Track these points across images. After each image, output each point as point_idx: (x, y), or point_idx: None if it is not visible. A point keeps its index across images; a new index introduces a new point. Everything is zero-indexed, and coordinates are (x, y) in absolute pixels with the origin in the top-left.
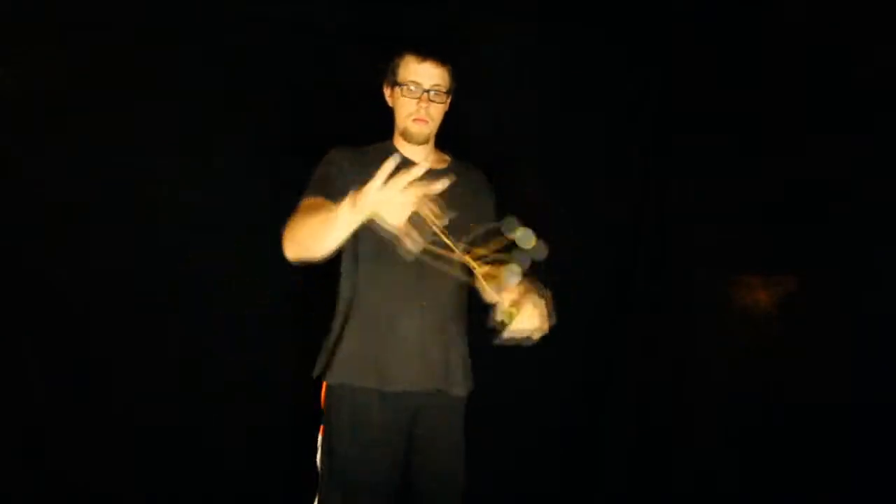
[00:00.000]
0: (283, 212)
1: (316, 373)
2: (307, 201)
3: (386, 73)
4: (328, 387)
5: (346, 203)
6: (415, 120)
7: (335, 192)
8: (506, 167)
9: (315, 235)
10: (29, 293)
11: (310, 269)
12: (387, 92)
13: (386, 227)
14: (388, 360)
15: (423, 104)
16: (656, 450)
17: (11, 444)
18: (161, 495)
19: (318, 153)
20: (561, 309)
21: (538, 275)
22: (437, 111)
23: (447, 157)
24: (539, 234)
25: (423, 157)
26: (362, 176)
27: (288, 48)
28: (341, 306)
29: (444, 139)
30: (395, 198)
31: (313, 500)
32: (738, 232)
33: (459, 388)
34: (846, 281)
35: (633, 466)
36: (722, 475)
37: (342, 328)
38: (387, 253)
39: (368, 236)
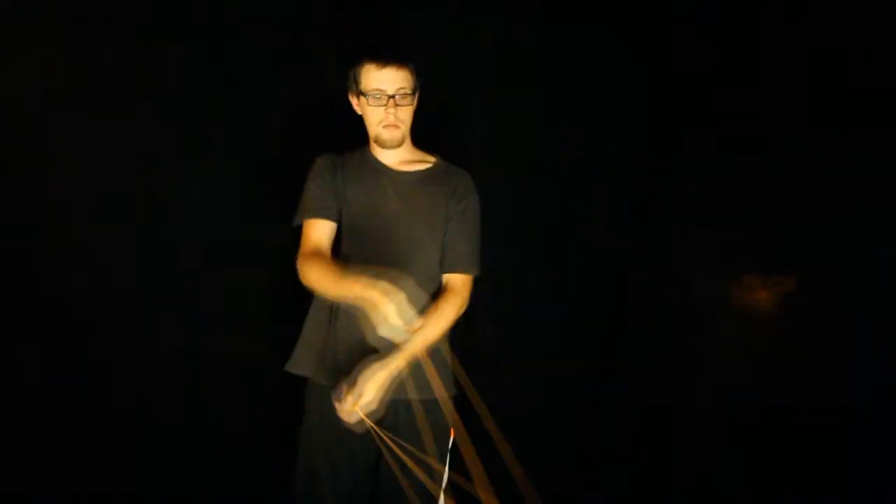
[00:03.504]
0: (282, 211)
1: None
2: (308, 224)
3: (349, 82)
4: (307, 382)
5: (363, 289)
6: (385, 126)
7: (327, 208)
8: (505, 167)
9: (326, 290)
10: (29, 293)
11: None
12: (353, 101)
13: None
14: (353, 362)
15: (391, 110)
16: (656, 448)
17: (11, 444)
18: (161, 495)
19: (318, 153)
20: (561, 309)
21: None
22: (405, 114)
23: (432, 158)
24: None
25: (399, 159)
26: (345, 182)
27: (288, 48)
28: (313, 303)
29: (444, 139)
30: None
31: None
32: (738, 232)
33: (427, 391)
34: (846, 281)
35: (633, 465)
36: (722, 475)
37: (309, 323)
38: (357, 256)
39: (347, 239)
